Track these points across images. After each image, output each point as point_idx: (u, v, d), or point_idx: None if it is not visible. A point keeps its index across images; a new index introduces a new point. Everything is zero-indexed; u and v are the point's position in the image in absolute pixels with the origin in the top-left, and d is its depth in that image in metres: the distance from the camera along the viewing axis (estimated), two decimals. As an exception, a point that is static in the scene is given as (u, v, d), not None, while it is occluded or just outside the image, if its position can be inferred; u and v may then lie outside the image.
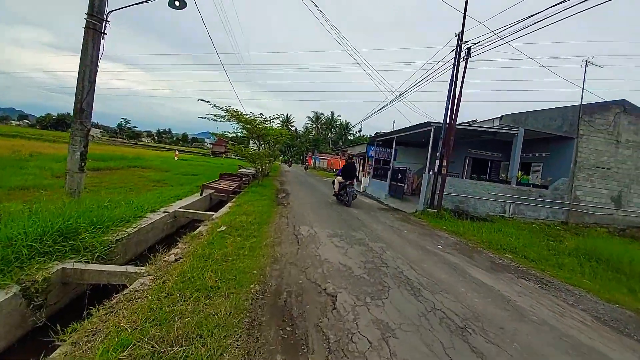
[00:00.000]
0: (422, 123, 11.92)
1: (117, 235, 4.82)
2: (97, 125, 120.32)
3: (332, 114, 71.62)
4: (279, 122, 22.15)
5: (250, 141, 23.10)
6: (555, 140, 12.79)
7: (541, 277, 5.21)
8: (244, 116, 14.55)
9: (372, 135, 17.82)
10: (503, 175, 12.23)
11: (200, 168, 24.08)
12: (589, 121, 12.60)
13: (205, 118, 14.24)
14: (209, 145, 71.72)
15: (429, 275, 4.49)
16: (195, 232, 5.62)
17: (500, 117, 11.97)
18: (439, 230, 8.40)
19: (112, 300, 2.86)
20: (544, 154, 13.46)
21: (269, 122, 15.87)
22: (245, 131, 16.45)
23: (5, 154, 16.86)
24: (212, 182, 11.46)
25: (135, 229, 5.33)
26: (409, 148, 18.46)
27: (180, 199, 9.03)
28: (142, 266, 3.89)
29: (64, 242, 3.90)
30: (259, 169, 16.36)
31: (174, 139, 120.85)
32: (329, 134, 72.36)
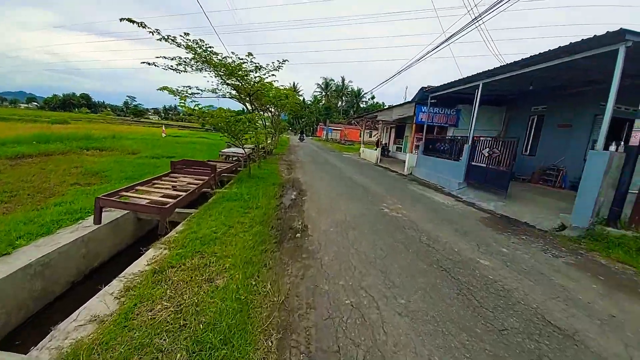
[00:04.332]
0: (597, 36, 5.20)
1: None
2: (103, 105, 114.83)
3: (343, 80, 62.82)
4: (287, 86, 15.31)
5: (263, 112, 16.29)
6: None
7: None
8: (221, 60, 8.13)
9: (426, 87, 11.14)
10: None
11: (188, 147, 18.31)
12: None
13: (151, 64, 7.96)
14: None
15: None
16: None
17: None
18: None
19: None
20: None
21: (265, 71, 9.39)
22: (231, 89, 10.12)
23: None
24: (150, 181, 5.51)
25: None
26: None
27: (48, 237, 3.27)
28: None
29: None
30: (254, 147, 10.28)
31: (180, 114, 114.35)
32: (340, 103, 64.23)
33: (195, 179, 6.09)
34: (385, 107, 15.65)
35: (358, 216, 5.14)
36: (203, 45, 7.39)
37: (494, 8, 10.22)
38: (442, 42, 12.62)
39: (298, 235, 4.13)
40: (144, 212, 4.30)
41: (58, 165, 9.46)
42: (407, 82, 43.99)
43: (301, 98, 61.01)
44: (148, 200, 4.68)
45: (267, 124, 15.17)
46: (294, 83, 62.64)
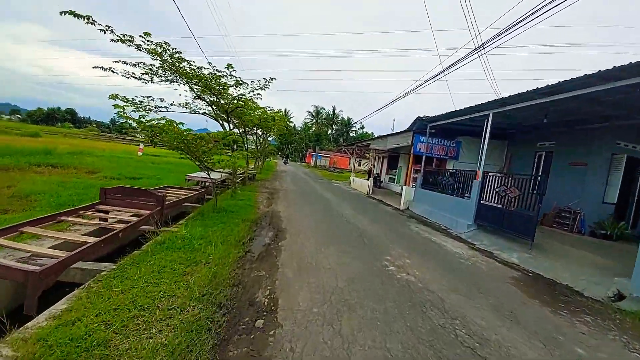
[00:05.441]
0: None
1: None
2: (89, 121, 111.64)
3: (334, 109, 63.61)
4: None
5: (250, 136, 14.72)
6: None
7: None
8: (195, 71, 6.83)
9: (422, 116, 10.20)
10: None
11: (160, 167, 16.54)
12: None
13: (106, 70, 6.52)
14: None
15: None
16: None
17: None
18: None
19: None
20: None
21: (249, 88, 8.16)
22: (206, 105, 8.77)
23: None
24: (54, 217, 3.79)
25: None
26: (477, 140, 10.85)
27: None
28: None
29: None
30: (230, 172, 8.75)
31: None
32: (330, 130, 64.48)
33: (132, 214, 4.41)
34: (378, 136, 14.68)
35: (354, 280, 3.55)
36: (169, 49, 6.07)
37: (497, 38, 9.65)
38: (440, 73, 12.00)
39: (259, 324, 2.48)
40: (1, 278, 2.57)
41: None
42: (394, 115, 44.84)
43: (292, 124, 60.92)
44: (26, 254, 2.95)
45: (249, 146, 13.81)
46: (285, 110, 63.01)
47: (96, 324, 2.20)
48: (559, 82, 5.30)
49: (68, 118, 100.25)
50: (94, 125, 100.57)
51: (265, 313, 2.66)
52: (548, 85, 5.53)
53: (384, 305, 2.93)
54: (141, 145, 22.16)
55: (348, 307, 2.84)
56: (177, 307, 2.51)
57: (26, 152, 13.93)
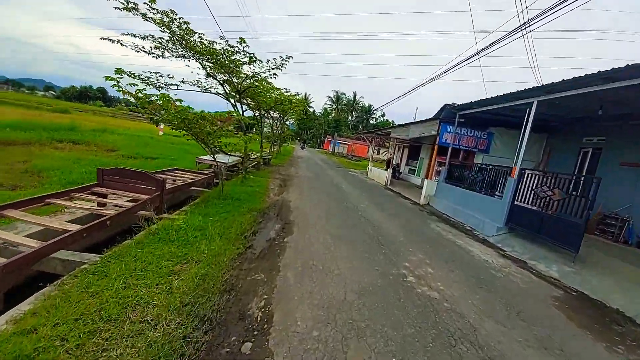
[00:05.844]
0: None
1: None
2: (118, 100, 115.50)
3: (355, 94, 61.55)
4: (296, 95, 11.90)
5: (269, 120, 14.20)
6: None
7: None
8: (207, 46, 6.29)
9: (450, 104, 9.19)
10: None
11: (179, 148, 16.65)
12: None
13: (114, 42, 6.09)
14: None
15: None
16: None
17: None
18: None
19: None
20: None
21: (264, 67, 7.53)
22: (218, 84, 8.26)
23: None
24: (41, 199, 3.49)
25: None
26: (512, 132, 9.67)
27: None
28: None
29: None
30: (242, 157, 8.35)
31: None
32: (349, 117, 62.74)
33: (129, 199, 4.06)
34: (400, 124, 13.68)
35: (366, 292, 3.01)
36: (176, 19, 5.52)
37: (544, 16, 8.29)
38: (474, 54, 10.73)
39: (246, 348, 2.02)
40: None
41: (6, 158, 7.93)
42: (416, 103, 42.35)
43: (312, 109, 59.74)
44: (1, 242, 2.64)
45: (265, 129, 13.33)
46: (305, 94, 61.76)
47: (50, 339, 1.81)
48: (627, 65, 4.25)
49: (99, 96, 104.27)
50: (123, 104, 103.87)
51: (255, 333, 2.19)
52: (613, 68, 4.48)
53: (402, 332, 2.38)
54: (162, 125, 22.32)
55: (357, 331, 2.31)
56: (151, 320, 2.09)
57: (51, 128, 14.30)
